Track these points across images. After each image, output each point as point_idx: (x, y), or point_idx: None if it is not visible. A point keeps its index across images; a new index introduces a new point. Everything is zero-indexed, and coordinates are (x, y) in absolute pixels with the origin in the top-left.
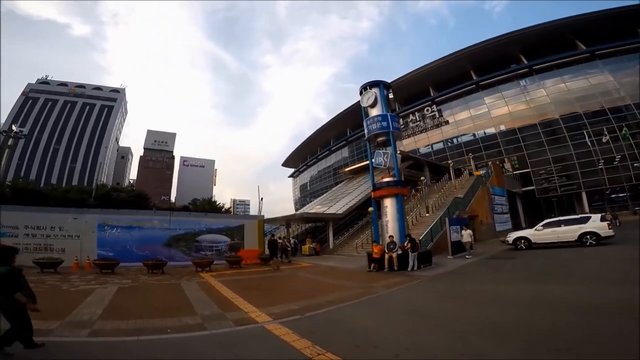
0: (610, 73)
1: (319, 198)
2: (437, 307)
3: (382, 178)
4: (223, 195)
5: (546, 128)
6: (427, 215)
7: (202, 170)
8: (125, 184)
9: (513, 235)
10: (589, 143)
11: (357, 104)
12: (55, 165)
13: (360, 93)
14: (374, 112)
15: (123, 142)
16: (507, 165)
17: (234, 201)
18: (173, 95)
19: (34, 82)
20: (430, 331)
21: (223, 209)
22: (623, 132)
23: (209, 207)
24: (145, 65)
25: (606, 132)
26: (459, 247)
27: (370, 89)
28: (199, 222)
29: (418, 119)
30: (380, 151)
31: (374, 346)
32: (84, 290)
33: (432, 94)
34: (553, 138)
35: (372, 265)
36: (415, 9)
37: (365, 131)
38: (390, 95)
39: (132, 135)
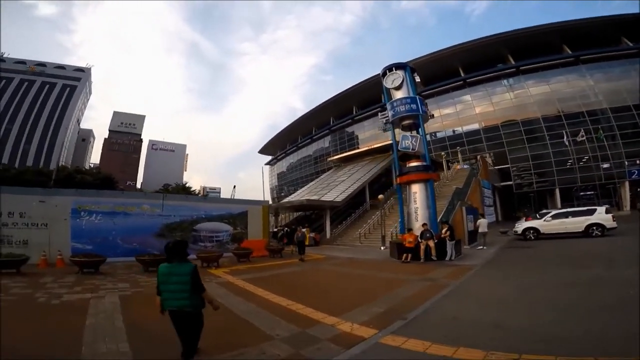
0: (592, 78)
1: (307, 186)
2: (547, 294)
3: (409, 163)
4: (191, 182)
5: (527, 126)
6: None
7: (172, 155)
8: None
9: (522, 226)
10: (566, 143)
11: (341, 94)
12: (7, 147)
13: (384, 75)
14: (399, 94)
15: (84, 125)
16: (489, 160)
17: (204, 188)
18: (144, 79)
19: None
20: (567, 314)
21: (199, 196)
22: (599, 133)
23: (184, 193)
24: (115, 48)
25: (583, 133)
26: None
27: (395, 70)
28: (197, 207)
29: None
30: (408, 134)
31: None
32: (72, 304)
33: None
34: (533, 136)
35: (406, 255)
36: (398, 8)
37: (390, 113)
38: (417, 79)
39: (95, 118)
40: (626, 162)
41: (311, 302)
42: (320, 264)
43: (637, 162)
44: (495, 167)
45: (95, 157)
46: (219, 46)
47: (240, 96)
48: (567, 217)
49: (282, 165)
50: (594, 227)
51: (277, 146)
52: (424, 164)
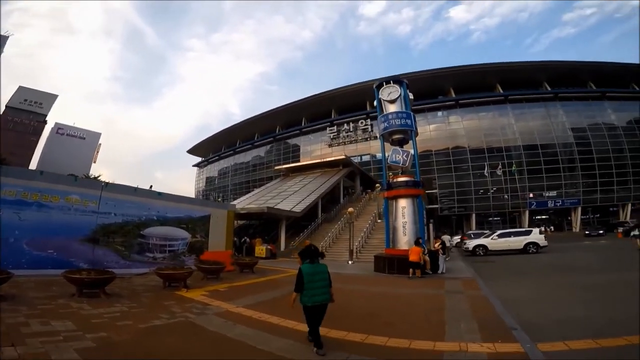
0: (513, 116)
1: (252, 193)
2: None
3: (396, 177)
4: (100, 176)
5: (456, 156)
6: (379, 221)
7: (81, 142)
8: None
9: (472, 243)
10: (486, 173)
11: (291, 104)
12: None
13: (379, 87)
14: (392, 108)
15: None
16: None
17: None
18: (67, 59)
19: None
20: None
21: (152, 190)
22: (513, 168)
23: None
24: (45, 22)
25: (501, 166)
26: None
27: (393, 84)
28: (149, 205)
29: (351, 130)
30: (399, 148)
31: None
32: None
33: (367, 109)
34: (459, 166)
35: (413, 270)
36: (355, 32)
37: (381, 126)
38: (410, 96)
39: None
40: (529, 195)
41: (381, 331)
42: None
43: (531, 195)
44: (425, 192)
45: None
46: (164, 38)
47: (172, 92)
48: (510, 236)
49: (214, 169)
50: (531, 245)
51: (210, 148)
52: (414, 179)
